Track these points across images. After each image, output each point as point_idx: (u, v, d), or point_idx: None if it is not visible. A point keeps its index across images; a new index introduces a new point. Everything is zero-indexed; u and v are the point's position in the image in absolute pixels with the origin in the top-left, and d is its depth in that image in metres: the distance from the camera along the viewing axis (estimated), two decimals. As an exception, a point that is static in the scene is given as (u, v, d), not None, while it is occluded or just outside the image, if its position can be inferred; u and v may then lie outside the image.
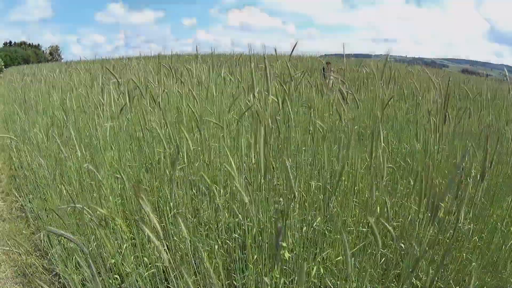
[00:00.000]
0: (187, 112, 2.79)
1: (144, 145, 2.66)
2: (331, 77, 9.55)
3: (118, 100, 2.89)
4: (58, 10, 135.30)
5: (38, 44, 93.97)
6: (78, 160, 2.63)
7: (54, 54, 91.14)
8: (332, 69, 10.07)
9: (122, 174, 2.24)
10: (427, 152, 2.75)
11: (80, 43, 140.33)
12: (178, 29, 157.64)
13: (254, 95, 1.58)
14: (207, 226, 2.29)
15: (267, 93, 1.98)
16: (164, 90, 2.97)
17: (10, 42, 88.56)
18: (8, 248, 3.11)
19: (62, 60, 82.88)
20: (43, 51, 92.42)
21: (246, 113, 2.35)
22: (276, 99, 1.98)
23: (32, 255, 2.99)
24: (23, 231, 3.42)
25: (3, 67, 67.83)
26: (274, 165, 1.95)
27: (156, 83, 3.40)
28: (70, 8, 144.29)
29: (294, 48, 2.84)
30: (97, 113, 2.89)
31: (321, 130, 2.46)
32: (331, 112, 2.70)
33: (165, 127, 2.02)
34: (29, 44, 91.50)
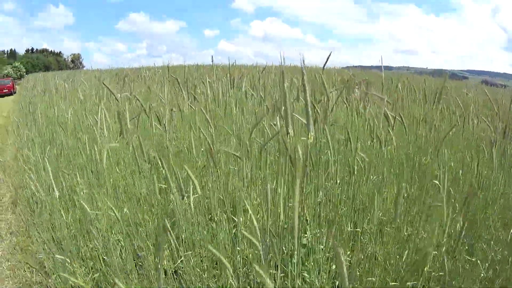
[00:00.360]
0: (199, 136, 2.37)
1: (139, 181, 2.23)
2: (356, 90, 9.31)
3: (116, 119, 2.49)
4: (79, 18, 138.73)
5: (60, 52, 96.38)
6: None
7: (75, 61, 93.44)
8: (357, 82, 9.93)
9: (116, 213, 1.82)
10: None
11: (101, 51, 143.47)
12: (200, 39, 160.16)
13: (287, 131, 1.13)
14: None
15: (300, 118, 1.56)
16: (172, 109, 2.56)
17: (32, 49, 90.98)
18: (14, 263, 2.97)
19: (84, 68, 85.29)
20: (64, 58, 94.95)
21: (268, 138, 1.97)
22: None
23: (37, 272, 2.77)
24: (29, 247, 3.18)
25: (24, 73, 70.18)
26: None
27: (166, 98, 3.00)
28: (92, 16, 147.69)
29: (327, 60, 2.43)
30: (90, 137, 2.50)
31: (362, 163, 2.03)
32: (372, 138, 2.23)
33: (162, 168, 1.60)
34: (51, 51, 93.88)
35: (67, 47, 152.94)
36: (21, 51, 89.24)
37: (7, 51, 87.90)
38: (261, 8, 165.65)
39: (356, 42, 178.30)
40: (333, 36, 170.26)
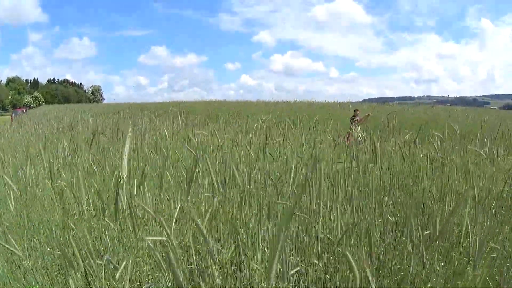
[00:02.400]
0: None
1: None
2: (358, 127, 8.64)
3: None
4: (102, 51, 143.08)
5: (80, 83, 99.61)
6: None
7: (95, 94, 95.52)
8: (357, 118, 9.13)
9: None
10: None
11: (124, 84, 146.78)
12: (222, 73, 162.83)
13: None
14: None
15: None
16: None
17: (54, 79, 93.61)
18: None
19: (104, 101, 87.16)
20: (85, 90, 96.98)
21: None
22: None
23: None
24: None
25: (43, 103, 72.38)
26: None
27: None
28: (114, 49, 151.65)
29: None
30: None
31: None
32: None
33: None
34: (71, 82, 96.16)
35: (91, 79, 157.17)
36: (44, 81, 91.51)
37: (31, 80, 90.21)
38: (282, 42, 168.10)
39: (378, 73, 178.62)
40: (355, 69, 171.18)
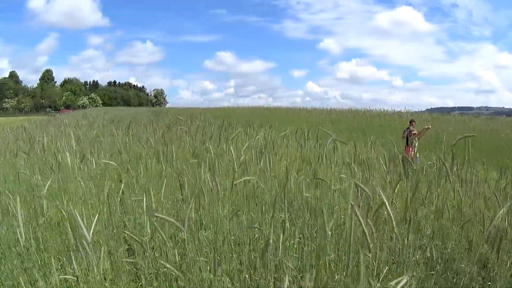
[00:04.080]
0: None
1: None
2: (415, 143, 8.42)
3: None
4: (167, 55, 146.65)
5: (143, 86, 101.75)
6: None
7: (158, 97, 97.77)
8: (415, 131, 8.56)
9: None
10: None
11: (189, 89, 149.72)
12: (287, 80, 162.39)
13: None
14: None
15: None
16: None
17: (115, 82, 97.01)
18: None
19: (167, 105, 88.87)
20: (147, 93, 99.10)
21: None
22: None
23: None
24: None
25: (101, 105, 73.27)
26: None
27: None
28: (179, 54, 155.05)
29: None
30: None
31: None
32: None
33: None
34: (133, 85, 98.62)
35: (156, 83, 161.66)
36: (104, 83, 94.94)
37: (90, 82, 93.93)
38: (347, 49, 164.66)
39: (440, 82, 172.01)
40: (419, 78, 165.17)
